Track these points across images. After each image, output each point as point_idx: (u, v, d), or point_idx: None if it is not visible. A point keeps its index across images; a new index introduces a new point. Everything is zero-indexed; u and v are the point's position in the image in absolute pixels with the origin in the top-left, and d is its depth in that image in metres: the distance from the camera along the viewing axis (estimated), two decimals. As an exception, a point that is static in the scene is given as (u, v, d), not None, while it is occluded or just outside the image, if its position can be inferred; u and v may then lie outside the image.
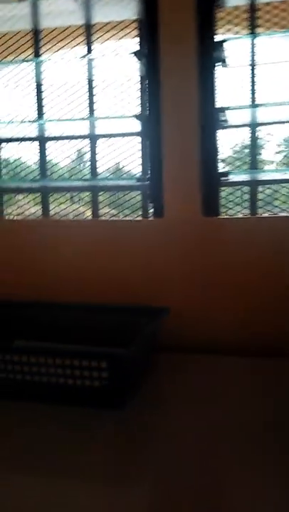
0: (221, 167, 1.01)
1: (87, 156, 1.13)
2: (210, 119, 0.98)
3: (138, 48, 1.01)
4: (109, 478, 0.51)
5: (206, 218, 0.98)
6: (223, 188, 1.05)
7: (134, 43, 1.03)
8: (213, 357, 0.88)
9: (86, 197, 1.25)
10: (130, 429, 0.61)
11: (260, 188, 1.08)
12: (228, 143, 1.10)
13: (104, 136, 1.09)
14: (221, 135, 1.01)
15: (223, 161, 1.14)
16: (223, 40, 0.98)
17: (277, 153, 1.35)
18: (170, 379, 0.80)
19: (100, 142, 1.10)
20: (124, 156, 1.10)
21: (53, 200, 1.16)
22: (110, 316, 0.89)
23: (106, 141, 1.11)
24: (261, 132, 1.15)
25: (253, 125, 1.08)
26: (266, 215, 1.09)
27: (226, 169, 1.09)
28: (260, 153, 1.09)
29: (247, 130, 1.07)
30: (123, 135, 1.08)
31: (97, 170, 1.11)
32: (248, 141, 1.10)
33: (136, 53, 0.96)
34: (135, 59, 0.98)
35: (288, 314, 0.90)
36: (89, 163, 1.13)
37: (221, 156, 1.01)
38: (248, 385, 0.75)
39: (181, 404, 0.69)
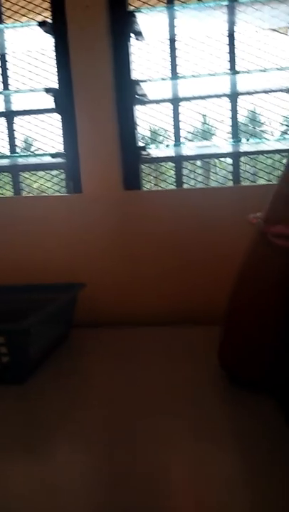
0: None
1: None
2: (125, 92, 0.96)
3: (49, 19, 0.97)
4: (9, 452, 0.48)
5: (126, 192, 0.96)
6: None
7: (46, 14, 0.99)
8: (132, 329, 0.87)
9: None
10: (31, 402, 0.59)
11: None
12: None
13: (20, 112, 1.05)
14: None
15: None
16: (137, 11, 0.96)
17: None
18: (83, 352, 0.78)
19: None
20: (45, 132, 1.06)
21: None
22: (25, 294, 0.85)
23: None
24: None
25: (175, 100, 1.07)
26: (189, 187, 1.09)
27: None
28: (182, 129, 1.08)
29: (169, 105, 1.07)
30: (41, 112, 1.05)
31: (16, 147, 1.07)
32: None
33: (41, 24, 0.92)
34: (44, 30, 0.94)
35: (208, 287, 0.90)
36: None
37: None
38: (163, 353, 0.74)
39: (88, 376, 0.68)
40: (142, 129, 1.09)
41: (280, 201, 0.52)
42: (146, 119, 1.08)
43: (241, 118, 1.08)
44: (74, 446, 0.48)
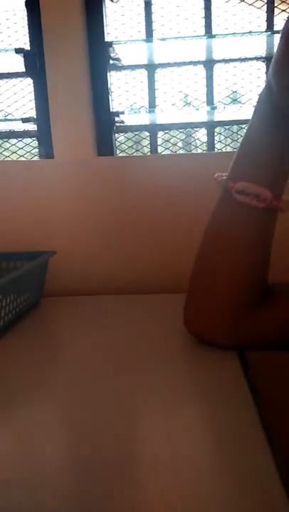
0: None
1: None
2: (99, 55, 0.94)
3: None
4: None
5: (98, 158, 0.94)
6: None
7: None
8: (103, 297, 0.87)
9: None
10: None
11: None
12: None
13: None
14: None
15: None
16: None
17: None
18: (52, 319, 0.79)
19: None
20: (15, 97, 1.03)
21: None
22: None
23: None
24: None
25: (151, 66, 1.05)
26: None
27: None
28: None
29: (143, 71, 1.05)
30: (12, 76, 1.01)
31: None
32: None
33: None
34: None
35: (180, 254, 0.90)
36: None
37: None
38: (133, 319, 0.75)
39: (56, 340, 0.68)
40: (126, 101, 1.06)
41: (242, 158, 0.52)
42: (125, 88, 1.05)
43: (224, 88, 1.07)
44: (43, 405, 0.48)
